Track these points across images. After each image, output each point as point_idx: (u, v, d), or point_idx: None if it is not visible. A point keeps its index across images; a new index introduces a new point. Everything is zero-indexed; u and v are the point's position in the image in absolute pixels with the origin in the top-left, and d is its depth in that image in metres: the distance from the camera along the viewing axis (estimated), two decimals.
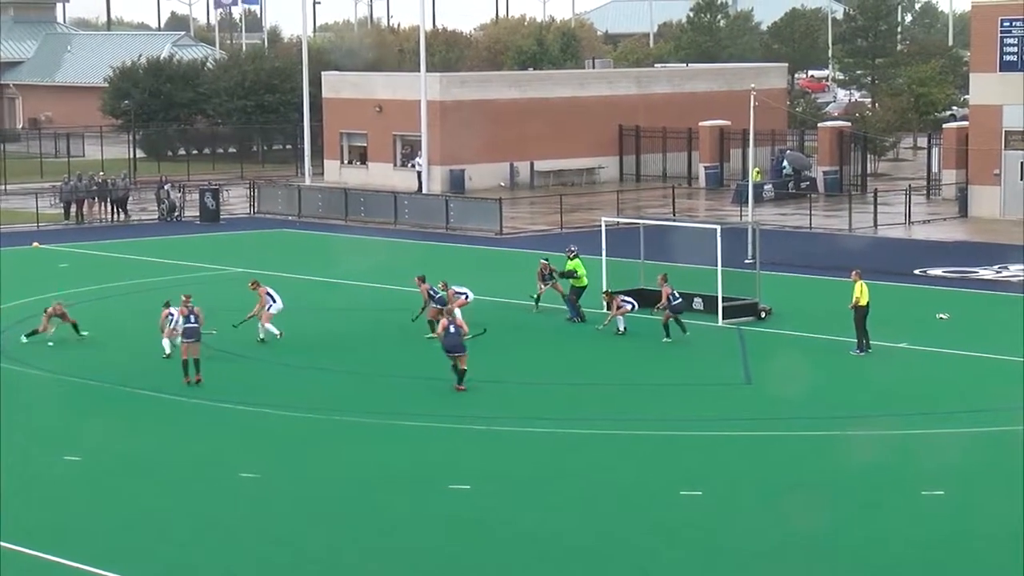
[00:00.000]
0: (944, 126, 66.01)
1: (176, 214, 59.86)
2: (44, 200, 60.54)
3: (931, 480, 24.30)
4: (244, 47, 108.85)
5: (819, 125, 70.18)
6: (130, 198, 61.13)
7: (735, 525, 22.52)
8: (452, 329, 30.16)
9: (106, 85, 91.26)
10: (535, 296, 38.52)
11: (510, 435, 27.51)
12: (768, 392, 30.67)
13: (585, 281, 37.45)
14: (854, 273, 34.15)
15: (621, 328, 35.51)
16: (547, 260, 39.44)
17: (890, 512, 22.91)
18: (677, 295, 35.20)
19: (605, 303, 36.38)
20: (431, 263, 43.12)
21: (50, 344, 34.51)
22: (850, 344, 33.86)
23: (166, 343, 33.11)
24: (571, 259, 37.71)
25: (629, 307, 35.96)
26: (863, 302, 33.46)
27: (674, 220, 51.02)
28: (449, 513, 23.07)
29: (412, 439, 27.34)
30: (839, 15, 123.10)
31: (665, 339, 34.90)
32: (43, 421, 28.84)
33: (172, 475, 25.08)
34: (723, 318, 36.46)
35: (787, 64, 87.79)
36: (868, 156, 68.38)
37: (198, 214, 59.33)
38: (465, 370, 30.19)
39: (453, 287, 35.79)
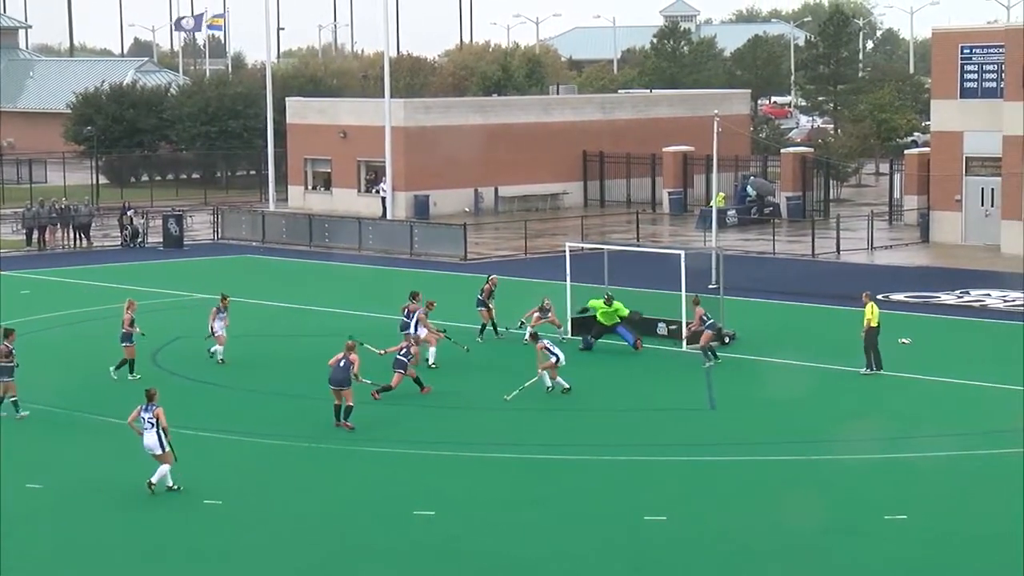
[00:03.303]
0: (906, 152, 66.41)
1: (139, 240, 59.68)
2: (6, 226, 60.27)
3: (894, 504, 24.38)
4: (208, 73, 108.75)
5: (782, 151, 70.51)
6: (93, 224, 60.92)
7: (699, 550, 22.53)
8: (342, 364, 29.29)
9: (69, 111, 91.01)
10: (482, 325, 37.71)
11: (475, 461, 27.47)
12: (732, 417, 30.74)
13: (624, 312, 36.85)
14: (864, 295, 34.37)
15: (549, 385, 31.90)
16: (496, 278, 38.92)
17: (854, 536, 22.96)
18: (709, 316, 35.12)
19: (532, 339, 33.84)
20: (395, 288, 43.10)
21: (142, 335, 34.19)
22: (811, 369, 33.99)
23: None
24: (609, 305, 36.69)
25: (555, 360, 31.88)
26: (875, 323, 33.68)
27: (638, 246, 51.14)
28: (413, 539, 23.00)
29: (377, 465, 27.28)
30: (801, 42, 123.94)
31: (709, 364, 34.50)
32: (3, 449, 28.60)
33: (135, 502, 24.92)
34: (687, 343, 36.54)
35: (750, 90, 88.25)
36: (831, 182, 68.72)
37: (161, 240, 59.16)
38: (351, 406, 29.25)
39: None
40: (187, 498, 24.93)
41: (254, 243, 59.84)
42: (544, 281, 43.93)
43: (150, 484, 24.97)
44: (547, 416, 30.85)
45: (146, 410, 25.18)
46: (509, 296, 42.10)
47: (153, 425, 25.05)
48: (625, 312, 37.06)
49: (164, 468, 25.05)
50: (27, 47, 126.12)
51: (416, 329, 34.93)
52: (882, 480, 26.12)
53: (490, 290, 38.25)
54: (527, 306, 37.95)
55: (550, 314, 37.32)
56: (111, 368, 33.79)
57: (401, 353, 31.91)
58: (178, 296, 45.95)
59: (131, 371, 33.59)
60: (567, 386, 31.98)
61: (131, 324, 33.82)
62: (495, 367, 35.34)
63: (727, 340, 37.26)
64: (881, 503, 24.49)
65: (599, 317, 36.93)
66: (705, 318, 35.07)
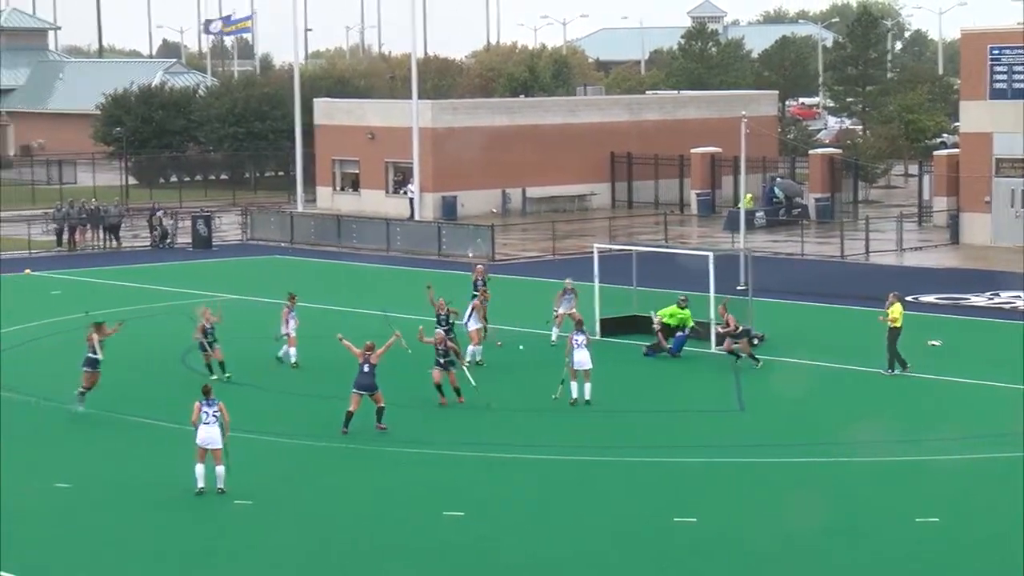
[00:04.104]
0: (935, 153, 66.19)
1: (168, 241, 59.89)
2: (36, 227, 60.52)
3: (927, 507, 24.30)
4: (236, 74, 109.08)
5: (810, 152, 70.35)
6: (122, 225, 61.17)
7: (729, 552, 22.50)
8: (366, 368, 29.00)
9: (98, 112, 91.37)
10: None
11: (504, 462, 27.48)
12: (761, 418, 30.68)
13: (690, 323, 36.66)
14: (892, 295, 34.34)
15: (574, 396, 31.56)
16: (483, 267, 38.52)
17: (882, 539, 22.90)
18: (739, 323, 35.18)
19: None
20: (423, 289, 43.10)
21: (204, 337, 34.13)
22: (839, 371, 33.90)
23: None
24: (683, 308, 36.65)
25: (569, 363, 31.58)
26: (898, 324, 33.65)
27: (667, 247, 51.07)
28: (443, 540, 23.03)
29: (406, 465, 27.31)
30: (829, 43, 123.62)
31: (759, 363, 34.66)
32: (32, 448, 28.73)
33: (166, 502, 25.01)
34: (716, 344, 36.48)
35: (778, 91, 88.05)
36: (859, 183, 68.55)
37: (190, 241, 59.35)
38: (383, 407, 29.13)
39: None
40: (217, 498, 24.99)
41: (283, 244, 59.98)
42: (572, 282, 43.84)
43: (220, 491, 24.98)
44: (576, 417, 30.83)
45: (208, 404, 25.13)
46: (536, 297, 42.16)
47: (217, 419, 25.01)
48: (691, 322, 36.81)
49: (221, 470, 25.02)
50: (56, 49, 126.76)
51: (469, 320, 34.99)
52: (912, 482, 26.03)
53: (476, 280, 37.73)
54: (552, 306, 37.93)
55: (573, 304, 36.98)
56: (222, 376, 33.59)
57: (438, 352, 31.75)
58: (207, 297, 46.01)
59: (211, 371, 33.54)
60: (571, 396, 31.48)
61: (203, 332, 33.88)
62: (521, 368, 35.35)
63: (756, 342, 37.20)
64: (912, 505, 24.41)
65: (668, 320, 36.53)
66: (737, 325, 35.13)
